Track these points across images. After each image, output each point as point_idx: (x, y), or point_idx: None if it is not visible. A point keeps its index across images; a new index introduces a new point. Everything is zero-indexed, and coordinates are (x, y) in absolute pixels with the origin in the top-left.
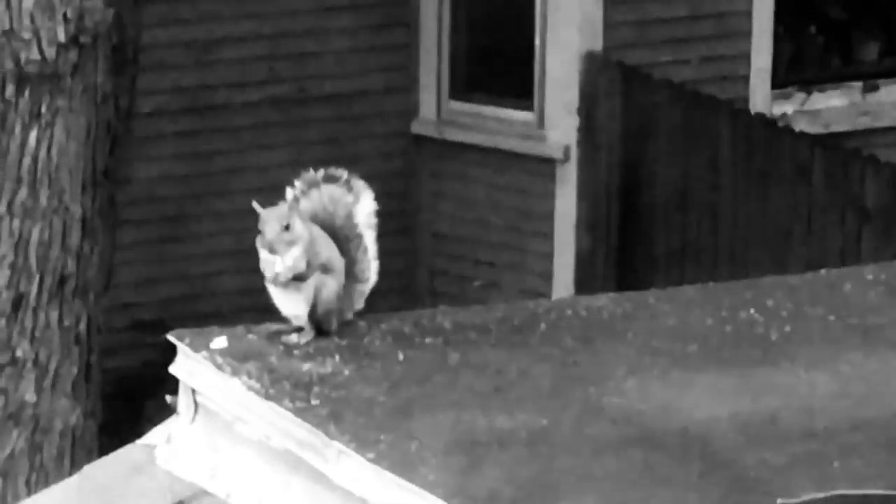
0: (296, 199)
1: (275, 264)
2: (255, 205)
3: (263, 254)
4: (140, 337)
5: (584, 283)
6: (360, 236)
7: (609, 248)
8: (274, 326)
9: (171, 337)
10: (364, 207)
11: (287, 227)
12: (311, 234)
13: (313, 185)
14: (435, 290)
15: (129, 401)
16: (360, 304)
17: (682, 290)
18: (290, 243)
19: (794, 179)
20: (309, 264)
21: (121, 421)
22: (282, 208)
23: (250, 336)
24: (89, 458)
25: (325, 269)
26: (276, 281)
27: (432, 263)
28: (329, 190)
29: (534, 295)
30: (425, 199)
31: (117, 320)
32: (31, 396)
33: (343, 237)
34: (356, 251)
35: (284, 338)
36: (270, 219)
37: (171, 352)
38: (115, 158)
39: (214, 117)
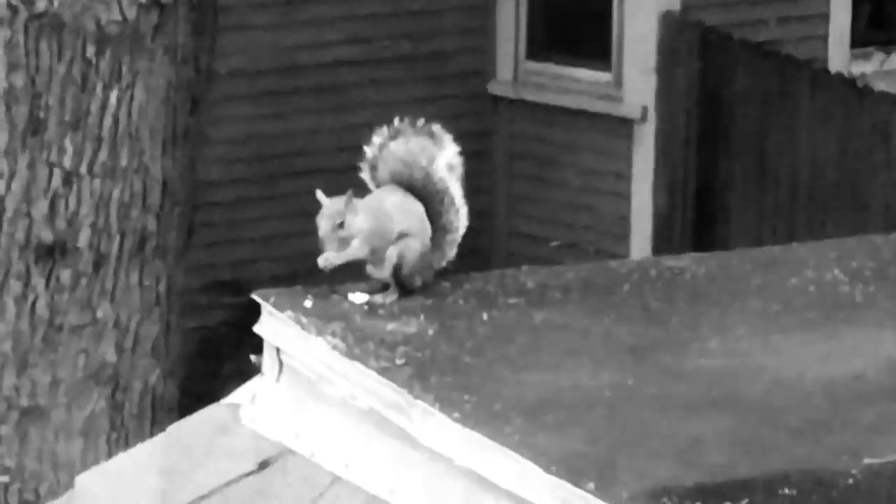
0: (373, 161)
1: (323, 256)
2: (318, 194)
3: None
4: (219, 297)
5: (662, 243)
6: (443, 190)
7: (686, 209)
8: (359, 294)
9: (255, 296)
10: (445, 155)
11: (340, 225)
12: (379, 214)
13: (389, 141)
14: (511, 250)
15: (207, 361)
16: (451, 253)
17: (765, 250)
18: (343, 241)
19: (874, 139)
20: (373, 251)
21: (199, 381)
22: (337, 204)
23: (335, 296)
24: (169, 418)
25: (405, 235)
26: (326, 266)
27: (509, 224)
28: (405, 147)
29: (611, 256)
30: (502, 159)
31: (196, 281)
32: (111, 356)
33: (425, 193)
34: (440, 204)
35: (370, 298)
36: (324, 216)
37: (249, 312)
38: (195, 119)
39: (293, 78)
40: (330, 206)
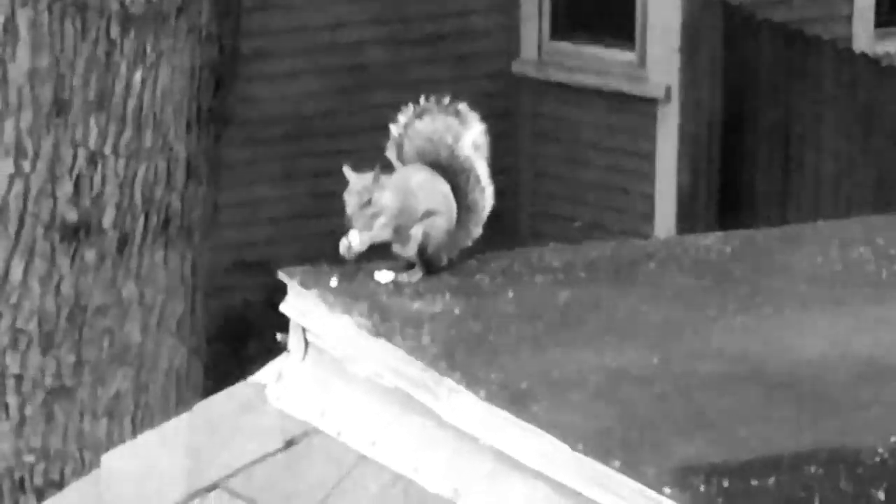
0: (399, 140)
1: (346, 240)
2: (345, 169)
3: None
4: (243, 277)
5: (686, 223)
6: (469, 168)
7: (710, 188)
8: (385, 272)
9: (281, 275)
10: (471, 134)
11: (368, 202)
12: (406, 192)
13: (415, 119)
14: (536, 230)
15: (233, 340)
16: (476, 232)
17: (791, 228)
18: (371, 217)
19: None
20: (398, 230)
21: (224, 361)
22: (364, 180)
23: (360, 275)
24: (194, 398)
25: (430, 213)
26: (348, 254)
27: (533, 203)
28: (431, 125)
29: (635, 235)
30: (526, 139)
31: (221, 261)
32: (136, 336)
33: (451, 172)
34: (466, 183)
35: (395, 277)
36: (351, 192)
37: (274, 292)
38: (219, 99)
39: (318, 58)
40: (357, 183)
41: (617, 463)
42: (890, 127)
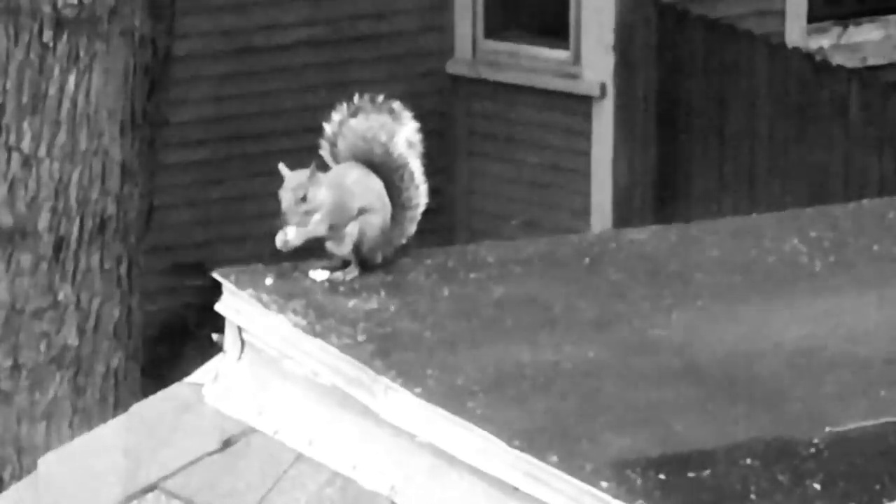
0: (332, 139)
1: (282, 234)
2: (281, 167)
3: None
4: (180, 280)
5: (622, 219)
6: (403, 165)
7: (646, 185)
8: (320, 271)
9: (216, 275)
10: (405, 132)
11: (303, 199)
12: (341, 189)
13: (349, 117)
14: (473, 229)
15: (169, 343)
16: (411, 230)
17: (725, 222)
18: (307, 213)
19: (832, 113)
20: (333, 227)
21: (161, 363)
22: (300, 176)
23: (296, 273)
24: (132, 400)
25: (365, 210)
26: (284, 248)
27: (469, 203)
28: (365, 123)
29: (572, 232)
30: (461, 137)
31: (157, 263)
32: (73, 339)
33: (385, 170)
34: (400, 180)
35: (330, 275)
36: (287, 188)
37: (211, 294)
38: (153, 101)
39: (252, 60)
40: (293, 179)
41: (554, 458)
42: (823, 121)
